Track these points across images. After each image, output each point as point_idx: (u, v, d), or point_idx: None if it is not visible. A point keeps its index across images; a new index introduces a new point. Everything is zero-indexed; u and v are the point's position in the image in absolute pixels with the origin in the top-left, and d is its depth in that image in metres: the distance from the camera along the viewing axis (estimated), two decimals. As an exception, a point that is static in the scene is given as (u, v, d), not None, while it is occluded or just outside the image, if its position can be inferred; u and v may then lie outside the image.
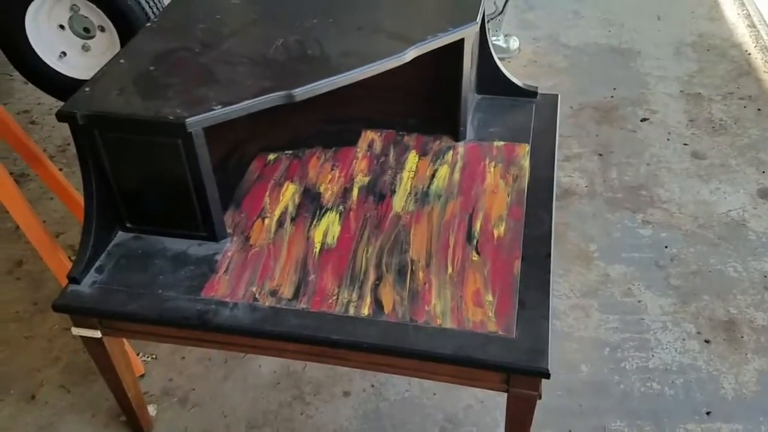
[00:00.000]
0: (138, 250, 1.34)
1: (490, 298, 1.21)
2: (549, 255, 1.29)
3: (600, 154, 2.31)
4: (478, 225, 1.36)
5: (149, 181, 1.29)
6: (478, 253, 1.30)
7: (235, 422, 1.55)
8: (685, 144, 2.34)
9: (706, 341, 1.69)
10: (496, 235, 1.34)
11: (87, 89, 1.27)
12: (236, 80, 1.28)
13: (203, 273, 1.29)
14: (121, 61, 1.35)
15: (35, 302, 1.85)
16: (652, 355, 1.66)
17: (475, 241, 1.33)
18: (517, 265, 1.28)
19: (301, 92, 1.25)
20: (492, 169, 1.50)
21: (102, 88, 1.27)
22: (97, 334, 1.29)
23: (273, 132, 1.61)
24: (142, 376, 1.64)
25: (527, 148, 1.56)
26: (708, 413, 1.53)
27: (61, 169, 2.27)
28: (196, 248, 1.34)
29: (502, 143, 1.57)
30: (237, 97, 1.23)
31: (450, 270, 1.27)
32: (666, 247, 1.95)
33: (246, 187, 1.49)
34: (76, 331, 1.30)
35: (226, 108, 1.20)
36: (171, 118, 1.18)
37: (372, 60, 1.31)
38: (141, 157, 1.26)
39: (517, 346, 1.13)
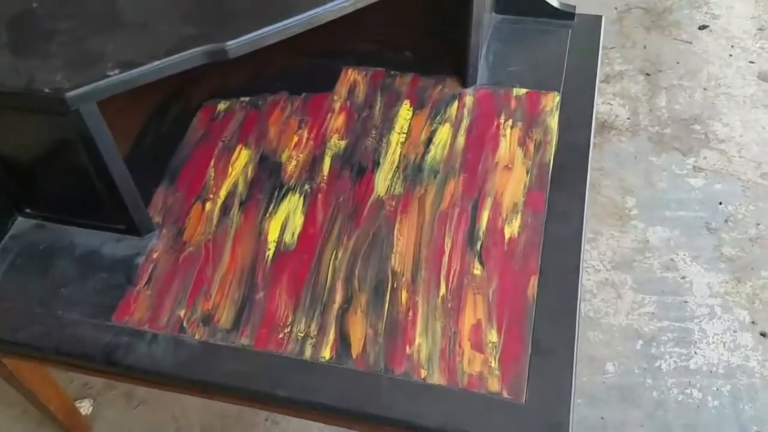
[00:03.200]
0: (39, 245, 1.03)
1: (494, 337, 0.90)
2: (578, 268, 0.97)
3: (647, 74, 1.89)
4: (484, 219, 1.02)
5: (42, 163, 0.96)
6: (482, 263, 0.97)
7: (187, 427, 1.31)
8: (751, 62, 1.91)
9: (762, 334, 1.39)
10: (507, 236, 1.00)
11: (-59, 37, 0.91)
12: (148, 24, 0.90)
13: (118, 284, 0.98)
14: (-5, -10, 0.97)
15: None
16: (695, 352, 1.36)
17: (479, 245, 0.99)
18: (534, 283, 0.95)
19: (237, 46, 0.88)
20: (508, 131, 1.14)
21: (-38, 35, 0.91)
22: (-8, 354, 1.02)
23: (226, 69, 1.24)
24: (82, 362, 1.39)
25: (557, 98, 1.18)
26: (759, 433, 1.26)
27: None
28: (112, 245, 1.02)
29: (523, 91, 1.19)
30: (144, 53, 0.86)
31: (443, 290, 0.95)
32: (720, 203, 1.59)
33: (187, 151, 1.15)
34: (-34, 349, 1.03)
35: (126, 73, 0.84)
36: (47, 90, 0.83)
37: (342, -7, 0.92)
38: (23, 135, 0.92)
39: (527, 417, 0.84)
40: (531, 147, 1.11)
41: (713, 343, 1.38)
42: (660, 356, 1.36)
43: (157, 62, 0.85)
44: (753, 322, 1.40)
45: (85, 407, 1.31)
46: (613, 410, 1.30)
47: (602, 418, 1.29)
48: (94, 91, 0.83)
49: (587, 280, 1.48)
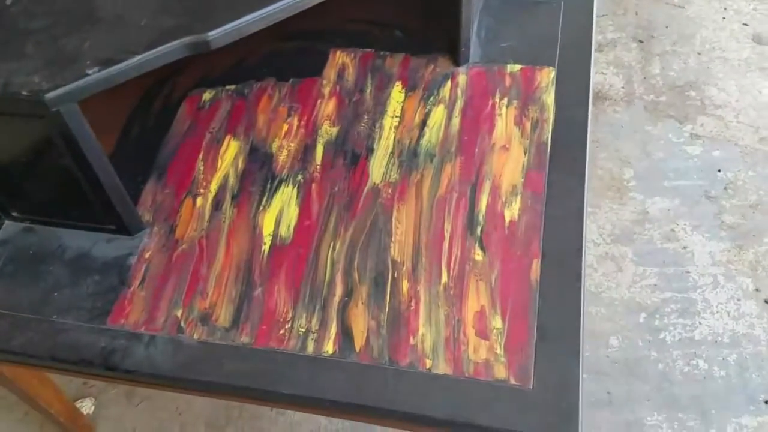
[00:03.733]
0: (29, 249, 1.01)
1: (498, 323, 0.89)
2: (580, 250, 0.95)
3: (640, 41, 1.86)
4: (483, 203, 1.00)
5: (26, 165, 0.93)
6: (483, 248, 0.95)
7: (192, 421, 1.29)
8: (745, 24, 1.88)
9: (766, 301, 1.38)
10: (507, 219, 0.98)
11: None
12: (124, 18, 0.87)
13: (111, 287, 0.96)
14: (-36, -13, 0.93)
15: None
16: (699, 323, 1.35)
17: (479, 230, 0.97)
18: (536, 267, 0.93)
19: (219, 36, 0.85)
20: (503, 110, 1.11)
21: (-68, 36, 0.87)
22: (-13, 362, 1.00)
23: (209, 56, 1.20)
24: (81, 361, 1.37)
25: (552, 73, 1.15)
26: (767, 402, 1.25)
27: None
28: (103, 246, 1.00)
29: (517, 67, 1.16)
30: (123, 49, 0.83)
31: (444, 277, 0.93)
32: (719, 170, 1.57)
33: (174, 144, 1.12)
34: (-40, 358, 1.00)
35: (106, 71, 0.81)
36: (25, 93, 0.80)
37: (328, -25, 0.89)
38: (3, 138, 0.89)
39: (535, 404, 0.82)
40: (528, 126, 1.09)
41: (717, 312, 1.37)
42: (664, 328, 1.35)
43: (137, 57, 0.82)
44: (756, 290, 1.39)
45: (86, 407, 1.30)
46: (619, 384, 1.29)
47: (608, 393, 1.28)
48: (73, 91, 0.80)
49: (588, 254, 1.46)
